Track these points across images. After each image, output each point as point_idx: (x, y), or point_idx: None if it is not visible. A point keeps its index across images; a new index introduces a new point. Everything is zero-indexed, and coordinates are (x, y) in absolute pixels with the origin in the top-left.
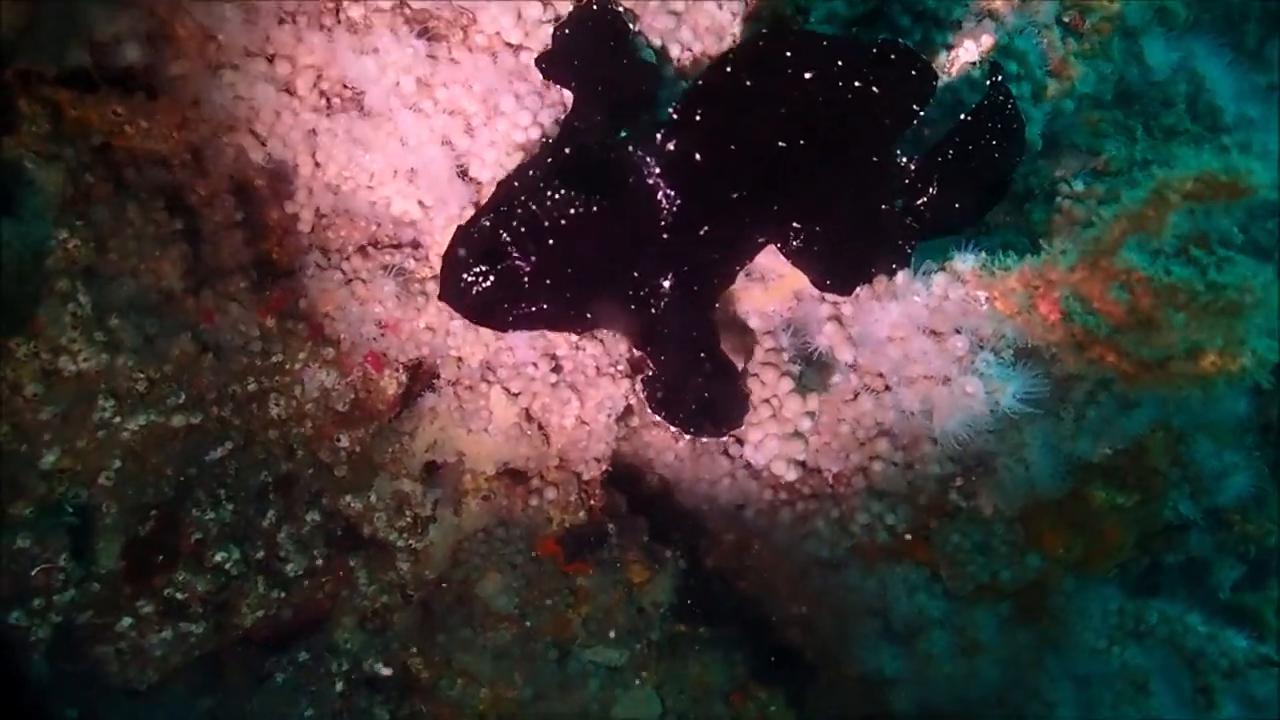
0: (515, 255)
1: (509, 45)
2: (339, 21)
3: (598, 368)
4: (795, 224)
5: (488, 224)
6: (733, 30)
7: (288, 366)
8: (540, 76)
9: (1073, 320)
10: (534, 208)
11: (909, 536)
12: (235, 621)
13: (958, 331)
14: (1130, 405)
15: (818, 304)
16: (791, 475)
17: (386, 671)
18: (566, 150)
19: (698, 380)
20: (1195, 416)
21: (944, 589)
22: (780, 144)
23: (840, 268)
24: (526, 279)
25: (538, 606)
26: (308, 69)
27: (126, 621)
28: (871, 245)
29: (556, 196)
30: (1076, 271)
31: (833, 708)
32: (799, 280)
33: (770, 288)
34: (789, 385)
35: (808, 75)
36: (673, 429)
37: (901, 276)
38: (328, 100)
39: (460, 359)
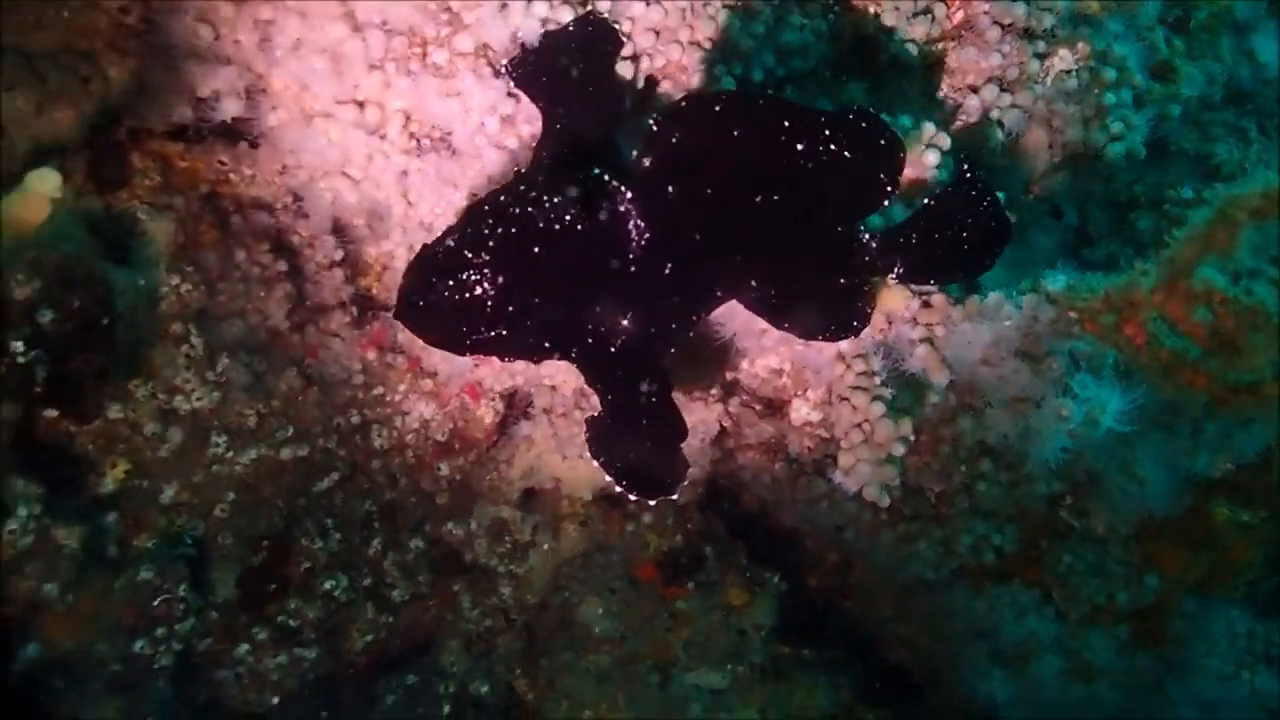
0: (478, 278)
1: None
2: (424, 66)
3: (691, 392)
4: (753, 282)
5: (453, 244)
6: (817, 52)
7: (388, 399)
8: None
9: (1160, 344)
10: (504, 224)
11: (1017, 557)
12: (346, 646)
13: (1050, 353)
14: (1250, 419)
15: (910, 326)
16: (885, 501)
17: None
18: (545, 164)
19: (637, 432)
20: None
21: (1056, 611)
22: (740, 200)
23: (800, 321)
24: (489, 303)
25: (637, 630)
26: (397, 113)
27: (244, 648)
28: (831, 310)
29: (546, 202)
30: (1157, 293)
31: None
32: (890, 301)
33: None
34: (880, 410)
35: (772, 138)
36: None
37: (993, 297)
38: (417, 142)
39: (554, 387)
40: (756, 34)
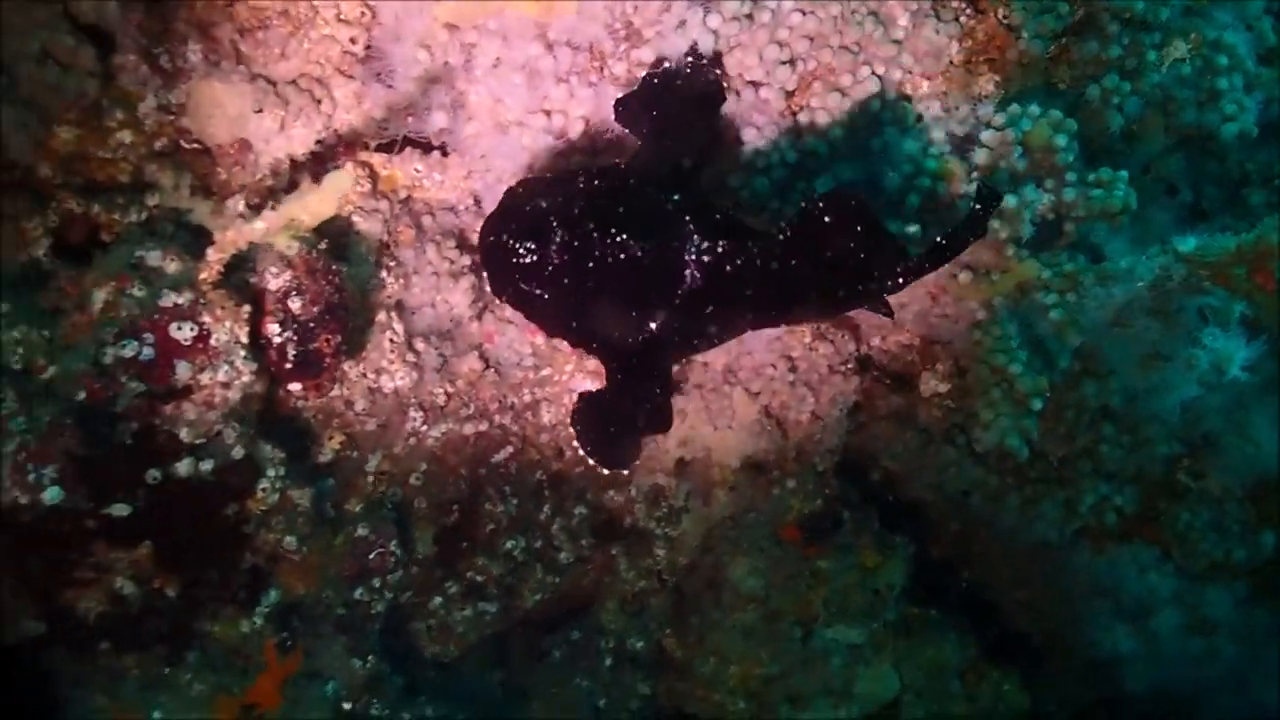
0: (548, 247)
1: (750, 82)
2: (603, 78)
3: (830, 366)
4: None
5: (543, 205)
6: (949, 53)
7: (555, 378)
8: (774, 109)
9: None
10: (589, 210)
11: (1137, 517)
12: (518, 604)
13: (1180, 310)
14: None
15: (1043, 293)
16: (1024, 453)
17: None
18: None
19: (621, 419)
20: None
21: (1175, 568)
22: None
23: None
24: (548, 269)
25: (781, 588)
26: (579, 120)
27: (437, 600)
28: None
29: (611, 235)
30: None
31: (1064, 691)
32: (1024, 270)
33: (996, 282)
34: (1019, 368)
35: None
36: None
37: (1126, 261)
38: (594, 144)
39: (705, 364)
40: (896, 38)
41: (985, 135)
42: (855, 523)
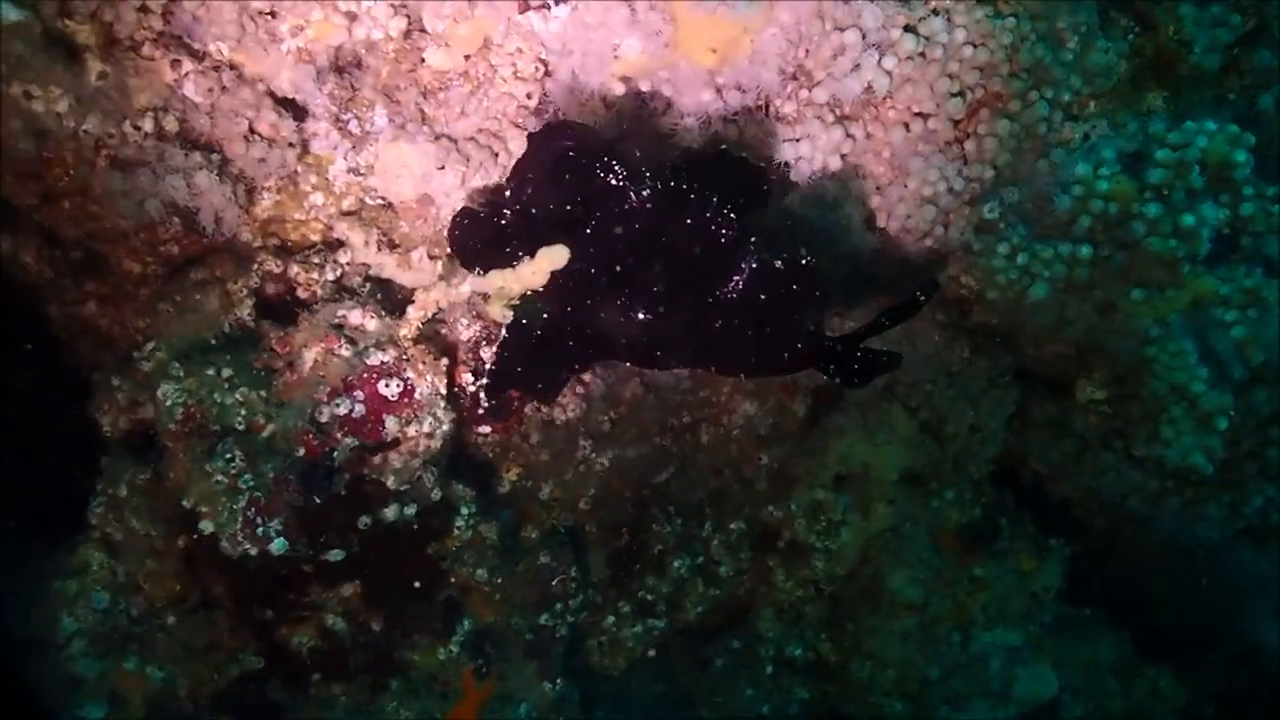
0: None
1: (919, 115)
2: (768, 116)
3: (989, 379)
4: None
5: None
6: (1118, 71)
7: (714, 400)
8: (941, 138)
9: None
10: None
11: None
12: (681, 616)
13: None
14: None
15: (1221, 308)
16: (1210, 469)
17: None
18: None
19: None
20: None
21: None
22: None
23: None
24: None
25: (940, 595)
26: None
27: (610, 619)
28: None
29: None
30: None
31: (1214, 685)
32: (1200, 286)
33: (1171, 298)
34: (1202, 385)
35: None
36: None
37: None
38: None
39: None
40: (1066, 61)
41: (1160, 155)
42: (1012, 529)
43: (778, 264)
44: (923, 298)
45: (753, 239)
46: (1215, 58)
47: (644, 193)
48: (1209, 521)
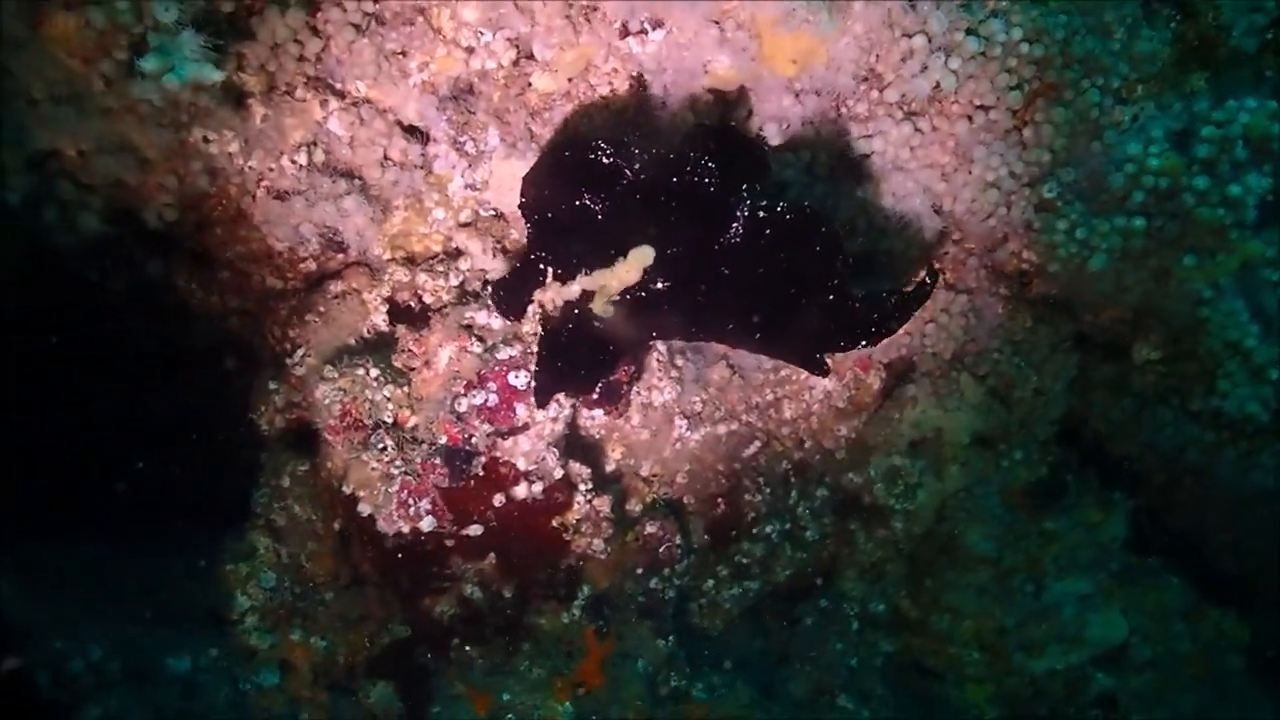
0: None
1: (980, 107)
2: (843, 114)
3: (1051, 345)
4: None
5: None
6: (1162, 57)
7: (794, 378)
8: (1001, 127)
9: None
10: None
11: None
12: (771, 579)
13: None
14: None
15: (1266, 268)
16: (1265, 418)
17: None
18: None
19: (572, 365)
20: None
21: None
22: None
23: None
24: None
25: (1013, 549)
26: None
27: (709, 582)
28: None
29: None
30: None
31: (1273, 626)
32: (1249, 249)
33: (1221, 263)
34: (1254, 340)
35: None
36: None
37: None
38: (831, 169)
39: (934, 354)
40: (1114, 50)
41: (1206, 131)
42: (1078, 485)
43: (778, 209)
44: (930, 286)
45: (744, 187)
46: (1252, 40)
47: (635, 166)
48: (1264, 470)
